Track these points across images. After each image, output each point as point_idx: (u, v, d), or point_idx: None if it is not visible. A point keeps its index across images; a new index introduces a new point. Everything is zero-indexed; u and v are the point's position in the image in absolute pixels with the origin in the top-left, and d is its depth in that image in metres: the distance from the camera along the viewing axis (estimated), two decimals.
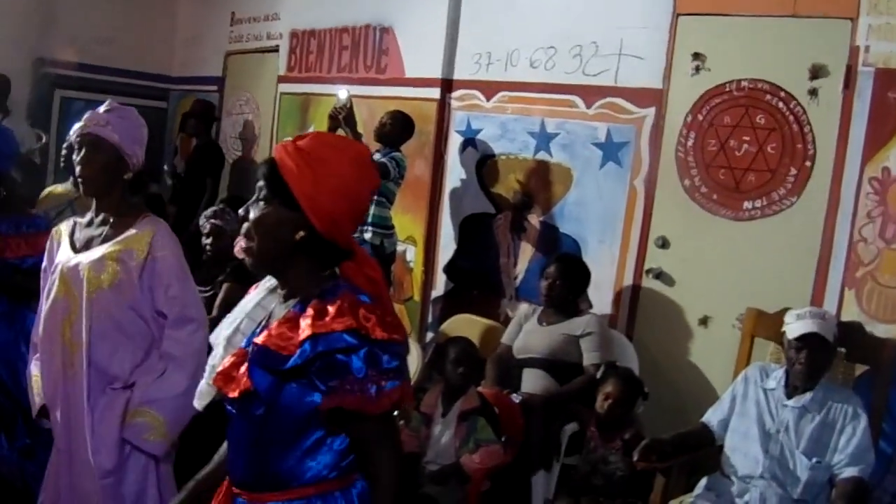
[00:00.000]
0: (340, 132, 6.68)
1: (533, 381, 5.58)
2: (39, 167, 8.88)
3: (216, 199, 8.40)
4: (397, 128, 6.99)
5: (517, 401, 5.32)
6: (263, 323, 2.55)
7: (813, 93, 5.38)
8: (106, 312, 3.59)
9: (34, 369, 3.83)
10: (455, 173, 7.39)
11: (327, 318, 2.31)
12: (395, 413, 2.49)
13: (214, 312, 5.83)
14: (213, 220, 6.22)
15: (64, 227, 3.83)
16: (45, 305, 3.73)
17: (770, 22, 5.57)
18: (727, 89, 5.72)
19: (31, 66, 9.90)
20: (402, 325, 2.48)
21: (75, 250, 3.70)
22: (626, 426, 5.00)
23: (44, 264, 3.85)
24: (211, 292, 5.92)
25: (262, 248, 2.45)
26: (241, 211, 2.48)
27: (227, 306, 5.92)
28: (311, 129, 8.66)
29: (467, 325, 6.31)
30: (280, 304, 2.54)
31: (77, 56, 10.17)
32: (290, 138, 2.49)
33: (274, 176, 2.41)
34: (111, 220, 3.69)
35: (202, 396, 2.65)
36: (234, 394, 2.41)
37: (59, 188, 5.77)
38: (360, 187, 2.49)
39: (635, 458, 4.45)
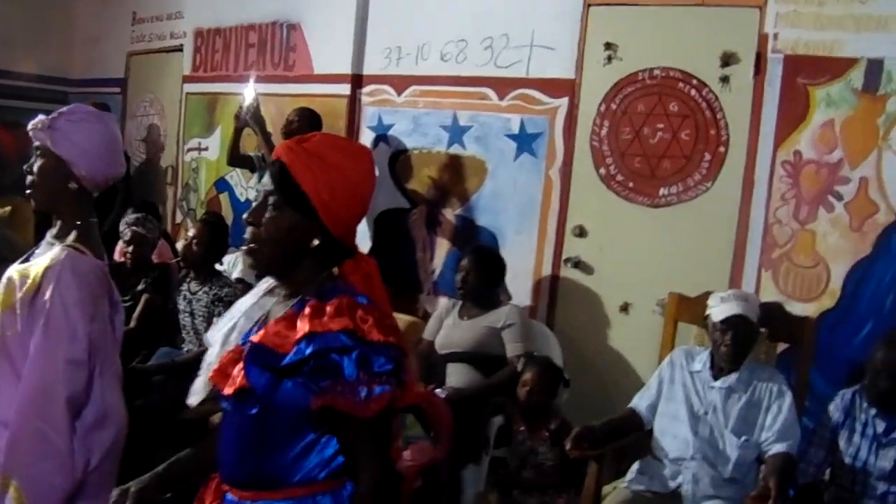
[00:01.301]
0: (248, 132, 6.64)
1: (457, 376, 5.56)
2: None
3: (126, 205, 8.22)
4: (304, 124, 6.88)
5: (442, 396, 5.30)
6: (261, 322, 2.53)
7: (724, 80, 5.47)
8: (2, 338, 3.32)
9: None
10: None
11: (325, 318, 2.30)
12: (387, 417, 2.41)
13: (133, 324, 5.76)
14: (134, 228, 6.12)
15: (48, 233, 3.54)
16: None
17: (680, 11, 5.65)
18: (640, 78, 5.77)
19: None
20: (399, 327, 2.46)
21: (23, 260, 3.46)
22: (551, 416, 5.00)
23: None
24: (130, 302, 5.83)
25: (273, 254, 2.44)
26: (245, 216, 2.44)
27: (147, 318, 5.88)
28: (218, 130, 8.61)
29: None
30: (278, 304, 2.53)
31: None
32: (294, 139, 2.49)
33: (287, 182, 2.40)
34: (49, 237, 3.45)
35: (196, 393, 2.59)
36: (229, 391, 2.39)
37: None
38: (369, 189, 2.52)
39: (567, 448, 4.45)
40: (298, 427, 2.38)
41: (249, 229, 2.44)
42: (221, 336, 2.55)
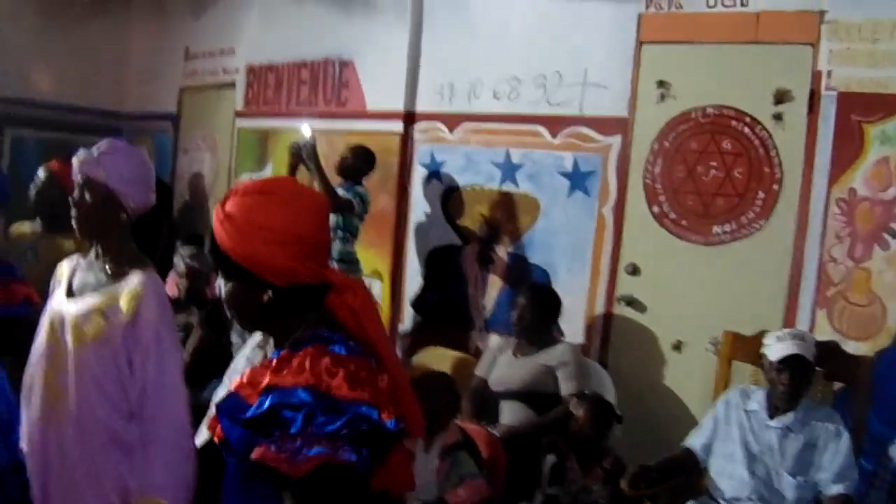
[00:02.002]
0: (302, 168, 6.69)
1: (511, 413, 5.57)
2: None
3: (172, 238, 8.26)
4: (358, 161, 6.96)
5: (496, 433, 5.31)
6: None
7: (778, 117, 5.46)
8: (89, 367, 3.40)
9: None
10: (419, 206, 7.38)
11: (285, 371, 2.20)
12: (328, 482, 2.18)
13: (186, 358, 5.77)
14: (189, 262, 6.17)
15: (66, 266, 3.67)
16: (35, 346, 3.57)
17: (733, 48, 5.65)
18: (692, 116, 5.78)
19: None
20: (381, 376, 2.30)
21: (70, 294, 3.55)
22: (604, 454, 4.98)
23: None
24: (182, 334, 5.85)
25: (241, 319, 2.44)
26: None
27: (199, 354, 5.91)
28: (269, 165, 8.67)
29: (438, 359, 6.29)
30: (270, 349, 2.47)
31: (27, 93, 10.08)
32: (218, 204, 2.40)
33: (218, 254, 2.35)
34: (107, 267, 3.52)
35: (200, 435, 2.59)
36: (216, 440, 2.31)
37: (26, 227, 5.64)
38: (302, 225, 2.34)
39: (624, 487, 4.45)
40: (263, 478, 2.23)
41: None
42: (229, 382, 2.54)
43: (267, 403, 2.15)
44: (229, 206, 2.33)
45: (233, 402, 2.24)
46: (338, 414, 2.13)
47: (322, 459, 2.11)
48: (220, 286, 2.40)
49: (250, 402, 2.20)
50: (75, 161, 3.51)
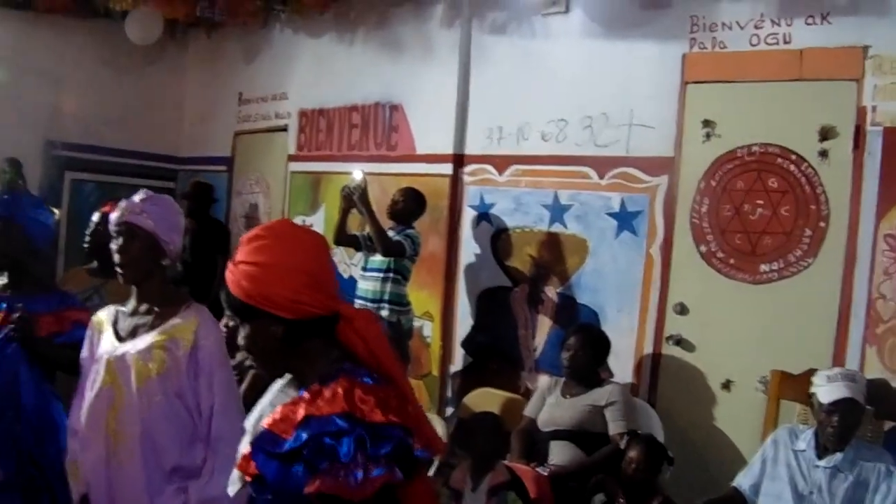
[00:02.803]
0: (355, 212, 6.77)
1: (560, 453, 5.57)
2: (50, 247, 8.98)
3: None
4: (410, 204, 7.04)
5: (545, 473, 5.32)
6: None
7: (823, 154, 5.44)
8: (154, 402, 3.55)
9: (76, 457, 3.80)
10: (469, 248, 7.42)
11: (320, 401, 2.32)
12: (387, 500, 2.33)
13: (240, 396, 5.82)
14: None
15: (105, 316, 3.80)
16: (88, 395, 3.67)
17: (777, 86, 5.65)
18: (738, 154, 5.78)
19: (41, 148, 10.06)
20: (408, 404, 2.45)
21: (120, 339, 3.68)
22: (654, 494, 4.98)
23: (83, 354, 3.83)
24: (237, 377, 5.89)
25: (261, 360, 2.54)
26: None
27: (253, 393, 5.95)
28: (322, 208, 8.75)
29: (488, 399, 6.28)
30: (294, 389, 2.56)
31: (87, 138, 10.31)
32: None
33: (232, 300, 2.48)
34: (155, 308, 3.69)
35: (233, 483, 2.64)
36: (248, 478, 2.42)
37: (84, 270, 5.74)
38: (300, 258, 2.47)
39: None
40: None
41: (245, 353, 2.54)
42: (250, 424, 2.60)
43: (305, 434, 2.28)
44: (240, 258, 2.47)
45: (267, 439, 2.36)
46: (381, 437, 2.26)
47: (384, 480, 2.25)
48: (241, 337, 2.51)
49: (285, 437, 2.32)
50: (117, 210, 3.65)
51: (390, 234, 6.73)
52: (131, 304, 3.77)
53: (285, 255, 2.46)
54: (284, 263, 2.44)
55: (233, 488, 2.67)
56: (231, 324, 5.74)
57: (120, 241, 3.66)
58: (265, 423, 2.42)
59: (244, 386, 5.90)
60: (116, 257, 3.66)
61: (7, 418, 4.27)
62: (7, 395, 4.26)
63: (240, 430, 3.37)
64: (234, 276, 2.45)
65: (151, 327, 3.66)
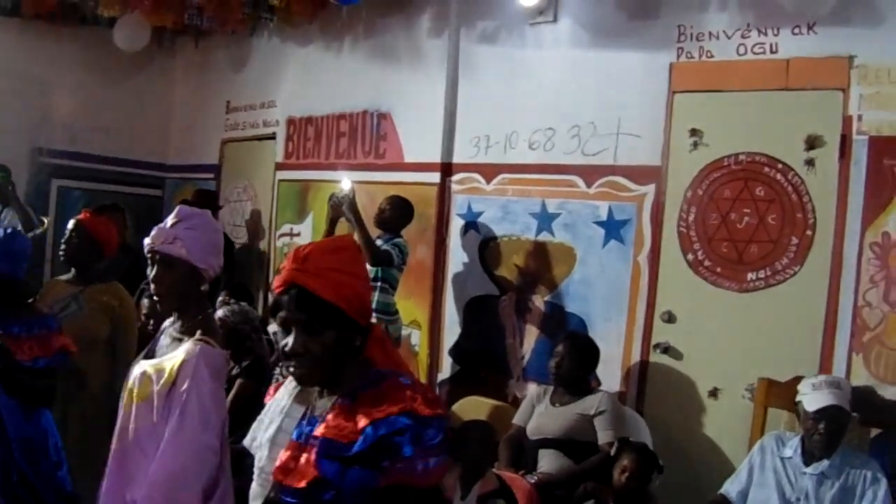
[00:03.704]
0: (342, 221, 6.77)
1: (549, 462, 5.57)
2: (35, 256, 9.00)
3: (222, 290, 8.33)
4: (396, 213, 7.03)
5: (533, 481, 5.33)
6: (308, 417, 2.64)
7: (810, 163, 5.47)
8: (135, 426, 3.45)
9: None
10: (457, 256, 7.42)
11: (384, 405, 2.42)
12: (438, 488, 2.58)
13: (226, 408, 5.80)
14: (230, 318, 6.10)
15: (167, 324, 3.72)
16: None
17: (764, 96, 5.68)
18: (725, 163, 5.81)
19: (28, 155, 10.01)
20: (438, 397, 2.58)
21: (146, 355, 3.63)
22: (643, 502, 5.00)
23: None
24: (225, 387, 5.87)
25: (325, 372, 2.57)
26: (287, 352, 2.53)
27: (239, 403, 5.93)
28: (310, 216, 8.75)
29: (476, 407, 6.30)
30: (318, 399, 2.65)
31: (74, 146, 10.32)
32: (294, 259, 2.58)
33: (316, 305, 2.50)
34: (178, 333, 3.58)
35: (255, 497, 2.66)
36: (300, 484, 2.46)
37: (61, 279, 5.71)
38: (364, 270, 2.70)
39: None
40: None
41: (295, 359, 2.54)
42: (267, 439, 2.65)
43: (375, 434, 2.39)
44: (317, 263, 2.54)
45: (330, 446, 2.45)
46: (433, 430, 2.43)
47: (444, 466, 2.50)
48: (294, 343, 2.52)
49: (346, 441, 2.43)
50: (149, 239, 3.54)
51: (378, 242, 6.73)
52: (172, 319, 3.69)
53: (363, 268, 2.69)
54: (364, 276, 2.67)
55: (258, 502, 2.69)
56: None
57: (155, 270, 3.53)
58: (319, 433, 2.49)
59: (231, 395, 5.89)
60: (152, 287, 3.56)
61: None
62: None
63: (175, 483, 3.29)
64: (319, 280, 2.50)
65: (164, 352, 3.58)
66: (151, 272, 3.54)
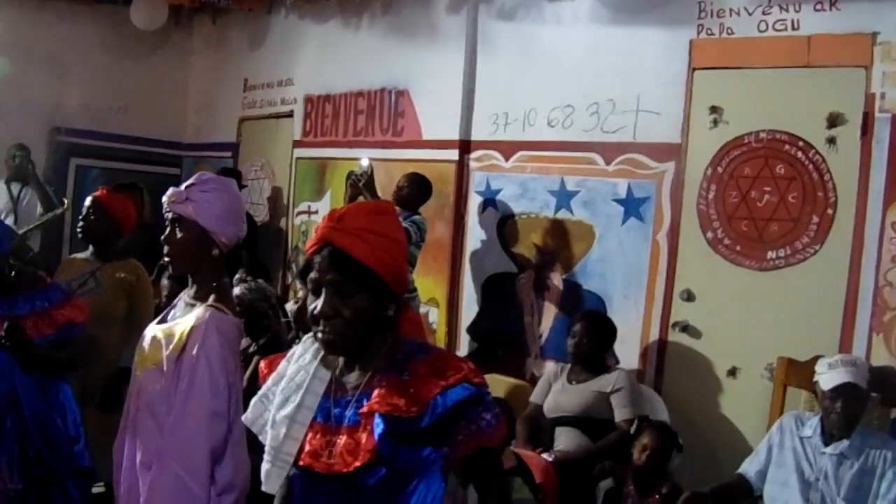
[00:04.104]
0: (361, 199, 6.73)
1: (566, 439, 5.58)
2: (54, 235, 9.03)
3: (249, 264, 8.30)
4: (414, 190, 7.00)
5: (550, 459, 5.32)
6: (333, 395, 2.53)
7: (831, 141, 5.41)
8: (146, 391, 3.49)
9: None
10: (476, 234, 7.40)
11: (448, 373, 2.40)
12: None
13: (244, 384, 5.78)
14: (247, 296, 6.00)
15: (184, 294, 3.70)
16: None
17: (785, 73, 5.62)
18: (746, 141, 5.76)
19: (46, 135, 10.04)
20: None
21: (160, 321, 3.64)
22: (662, 480, 4.98)
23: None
24: (243, 361, 5.85)
25: (356, 338, 2.48)
26: (316, 314, 2.43)
27: (256, 378, 5.90)
28: (328, 194, 8.72)
29: (493, 385, 6.19)
30: (344, 374, 2.56)
31: (92, 124, 10.33)
32: (329, 218, 2.49)
33: (351, 266, 2.41)
34: (191, 299, 3.59)
35: (271, 478, 2.54)
36: (348, 468, 2.41)
37: (80, 256, 5.69)
38: (403, 238, 2.61)
39: None
40: (427, 480, 2.45)
41: (324, 322, 2.43)
42: (285, 416, 2.52)
43: (445, 404, 2.37)
44: (354, 224, 2.44)
45: (393, 421, 2.38)
46: (486, 393, 2.45)
47: (504, 421, 2.54)
48: (324, 305, 2.43)
49: (411, 416, 2.36)
50: (165, 199, 3.54)
51: None
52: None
53: (401, 233, 2.59)
54: (402, 242, 2.56)
55: (270, 485, 2.60)
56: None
57: (167, 231, 3.53)
58: (368, 409, 2.42)
59: (247, 373, 5.87)
60: (165, 248, 3.56)
61: (11, 427, 4.24)
62: (7, 405, 4.23)
63: (191, 448, 3.33)
64: (367, 241, 2.41)
65: (164, 318, 3.62)
66: (166, 234, 3.54)
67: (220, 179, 3.66)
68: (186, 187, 3.52)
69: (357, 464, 2.39)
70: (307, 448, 2.48)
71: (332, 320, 2.42)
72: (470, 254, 7.46)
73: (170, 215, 3.53)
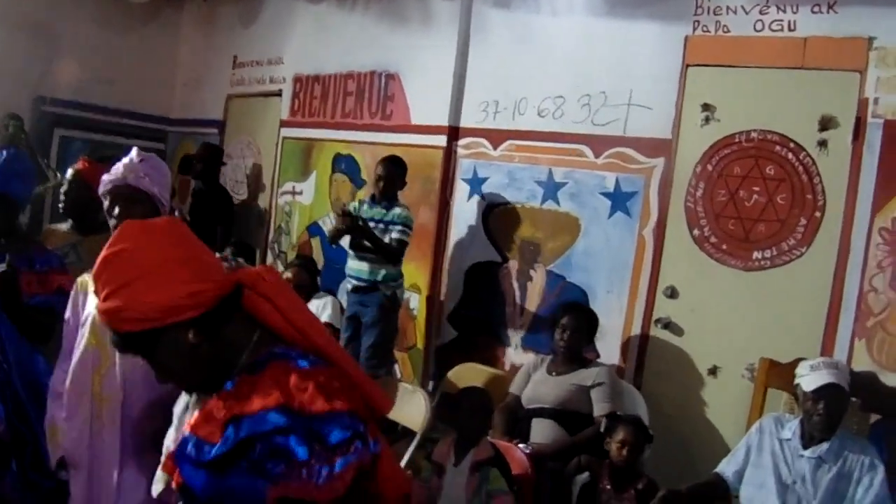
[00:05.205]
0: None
1: (542, 432, 5.56)
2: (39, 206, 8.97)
3: (226, 244, 8.29)
4: (392, 174, 6.90)
5: (527, 451, 5.29)
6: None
7: (822, 144, 5.41)
8: (138, 368, 3.45)
9: (57, 421, 3.74)
10: (460, 221, 7.37)
11: (251, 397, 2.06)
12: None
13: None
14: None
15: (90, 277, 3.72)
16: (74, 357, 3.62)
17: (779, 74, 5.61)
18: (736, 140, 5.74)
19: (31, 104, 9.94)
20: (353, 384, 2.21)
21: None
22: (637, 476, 4.97)
23: (67, 314, 3.77)
24: None
25: (193, 378, 2.26)
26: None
27: None
28: (313, 175, 8.69)
29: (473, 374, 6.24)
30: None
31: (77, 95, 10.24)
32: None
33: (128, 342, 2.18)
34: None
35: (157, 481, 2.44)
36: (174, 485, 2.15)
37: (61, 228, 5.64)
38: (166, 249, 2.17)
39: None
40: None
41: (170, 383, 2.29)
42: (176, 416, 2.39)
43: (236, 436, 2.04)
44: (110, 283, 2.14)
45: (191, 446, 2.10)
46: (329, 425, 2.02)
47: (355, 466, 2.04)
48: (155, 374, 2.26)
49: (213, 441, 2.06)
50: (115, 174, 3.56)
51: (381, 213, 6.73)
52: None
53: (149, 255, 2.15)
54: (154, 263, 2.13)
55: (156, 487, 2.48)
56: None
57: (118, 205, 3.57)
58: (187, 425, 2.16)
59: None
60: (113, 222, 3.58)
61: None
62: None
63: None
64: (112, 310, 2.12)
65: None
66: (114, 208, 3.60)
67: (152, 155, 3.84)
68: (140, 161, 3.68)
69: (176, 485, 2.14)
70: (167, 452, 2.35)
71: (169, 380, 2.27)
72: (454, 241, 7.44)
73: (118, 189, 3.63)
